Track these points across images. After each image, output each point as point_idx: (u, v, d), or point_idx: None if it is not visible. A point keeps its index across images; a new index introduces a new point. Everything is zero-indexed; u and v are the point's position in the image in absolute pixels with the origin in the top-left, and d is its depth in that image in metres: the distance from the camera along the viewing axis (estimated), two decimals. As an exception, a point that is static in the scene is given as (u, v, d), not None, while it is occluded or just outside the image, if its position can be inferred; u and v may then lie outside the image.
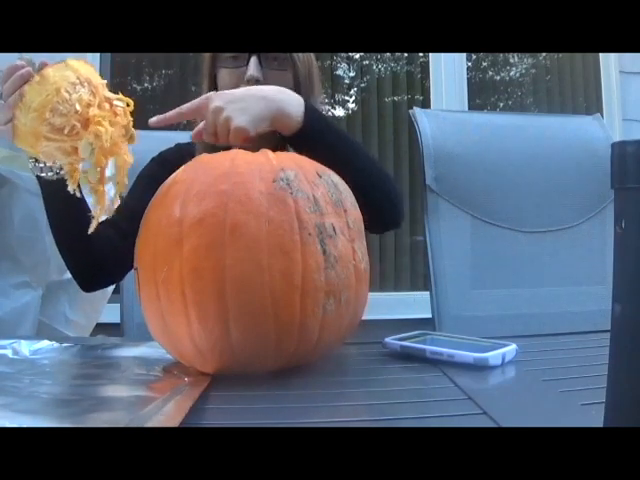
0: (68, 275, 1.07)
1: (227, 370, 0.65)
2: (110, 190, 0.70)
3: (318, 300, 0.64)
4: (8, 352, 0.77)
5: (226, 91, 0.85)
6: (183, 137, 1.21)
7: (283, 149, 0.85)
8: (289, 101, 0.86)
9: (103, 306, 1.59)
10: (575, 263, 1.40)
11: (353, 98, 2.65)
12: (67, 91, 0.66)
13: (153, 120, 0.84)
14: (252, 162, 0.67)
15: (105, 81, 0.71)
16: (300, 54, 0.99)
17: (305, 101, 0.87)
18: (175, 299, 0.63)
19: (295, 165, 0.68)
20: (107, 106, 0.68)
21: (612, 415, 0.38)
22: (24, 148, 0.68)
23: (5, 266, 1.37)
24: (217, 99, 0.82)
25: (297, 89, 0.96)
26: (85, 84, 0.67)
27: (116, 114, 0.68)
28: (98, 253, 0.80)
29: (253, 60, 0.94)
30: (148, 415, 0.50)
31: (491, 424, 0.50)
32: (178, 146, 1.09)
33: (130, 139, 0.69)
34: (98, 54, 2.10)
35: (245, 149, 0.72)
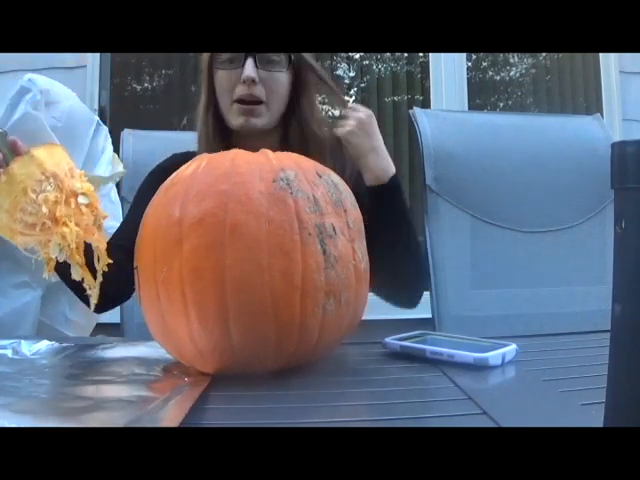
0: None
1: (227, 370, 0.65)
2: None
3: (318, 300, 0.64)
4: (8, 352, 0.77)
5: (375, 127, 0.98)
6: (183, 137, 1.21)
7: (285, 149, 0.86)
8: (381, 166, 0.99)
9: None
10: (575, 263, 1.40)
11: (353, 98, 2.65)
12: (34, 190, 0.69)
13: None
14: (252, 162, 0.67)
15: (73, 165, 0.74)
16: (297, 56, 0.99)
17: (394, 177, 1.00)
18: (175, 299, 0.63)
19: (295, 165, 0.68)
20: (73, 202, 0.71)
21: (612, 415, 0.38)
22: (5, 237, 0.71)
23: (5, 266, 1.37)
24: (365, 122, 0.97)
25: (293, 92, 0.99)
26: (51, 179, 0.70)
27: (82, 212, 0.71)
28: (110, 282, 0.77)
29: (249, 61, 0.94)
30: (148, 415, 0.50)
31: (491, 424, 0.50)
32: (175, 156, 1.09)
33: (99, 228, 0.73)
34: (98, 54, 2.10)
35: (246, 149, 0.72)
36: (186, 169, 0.70)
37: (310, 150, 0.93)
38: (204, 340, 0.63)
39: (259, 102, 0.96)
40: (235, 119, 0.97)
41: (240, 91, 0.96)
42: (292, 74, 0.99)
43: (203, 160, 0.69)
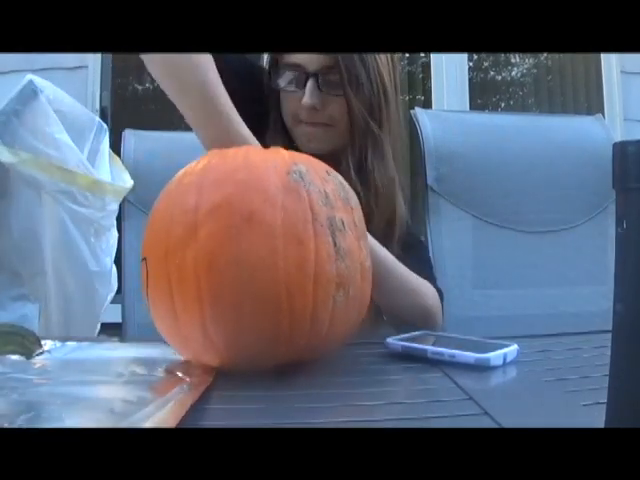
0: (66, 288, 1.06)
1: (236, 362, 0.64)
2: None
3: (329, 291, 0.64)
4: (9, 352, 0.77)
5: None
6: (184, 137, 1.22)
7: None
8: None
9: (100, 315, 1.56)
10: (577, 263, 1.40)
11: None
12: None
13: None
14: (265, 156, 0.68)
15: None
16: (371, 75, 0.89)
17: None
18: (188, 286, 0.62)
19: (306, 160, 0.69)
20: None
21: (613, 416, 0.37)
22: None
23: (3, 279, 1.37)
24: None
25: (360, 117, 0.89)
26: None
27: None
28: None
29: (309, 85, 0.88)
30: (148, 415, 0.50)
31: (492, 424, 0.50)
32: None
33: None
34: (99, 55, 2.10)
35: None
36: (197, 165, 0.69)
37: (363, 186, 0.89)
38: (217, 326, 0.63)
39: (326, 124, 0.90)
40: (298, 139, 0.93)
41: (303, 116, 0.90)
42: (362, 97, 0.89)
43: (214, 156, 0.69)
